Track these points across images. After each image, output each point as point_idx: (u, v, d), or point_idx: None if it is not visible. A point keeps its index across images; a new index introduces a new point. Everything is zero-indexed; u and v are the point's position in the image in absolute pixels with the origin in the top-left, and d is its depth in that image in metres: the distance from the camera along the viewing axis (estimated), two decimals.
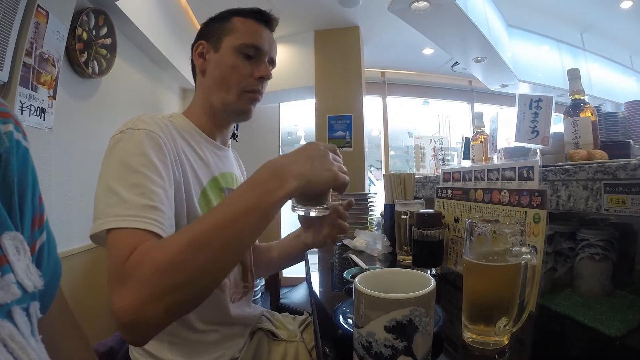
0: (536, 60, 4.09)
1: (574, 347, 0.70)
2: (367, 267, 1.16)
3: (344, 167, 0.76)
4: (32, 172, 0.41)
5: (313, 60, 3.98)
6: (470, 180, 1.05)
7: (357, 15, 3.70)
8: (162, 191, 0.76)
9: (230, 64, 0.99)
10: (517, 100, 1.46)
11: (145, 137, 0.80)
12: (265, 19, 1.05)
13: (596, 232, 0.87)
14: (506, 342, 0.64)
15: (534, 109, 1.40)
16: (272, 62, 1.07)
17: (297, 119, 5.88)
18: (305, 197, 0.79)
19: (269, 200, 0.65)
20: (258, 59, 1.02)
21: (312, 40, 3.99)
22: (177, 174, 0.85)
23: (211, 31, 1.04)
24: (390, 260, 1.37)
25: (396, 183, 1.53)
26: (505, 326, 0.62)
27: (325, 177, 0.71)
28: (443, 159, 2.69)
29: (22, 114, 1.59)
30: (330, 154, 0.75)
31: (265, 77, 1.03)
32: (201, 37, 1.06)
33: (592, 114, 1.24)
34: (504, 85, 4.32)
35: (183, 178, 0.88)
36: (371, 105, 4.87)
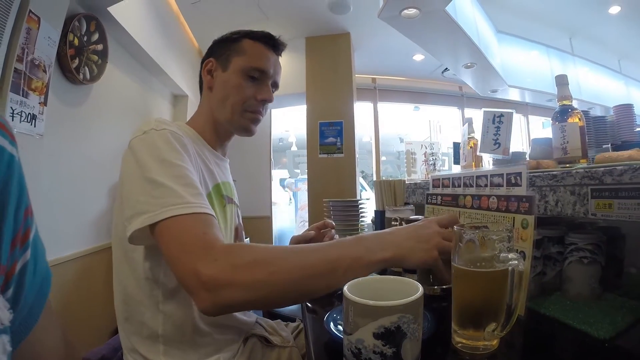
0: (525, 66, 4.14)
1: (563, 350, 0.70)
2: None
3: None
4: (19, 183, 0.36)
5: (304, 66, 4.00)
6: (459, 186, 1.06)
7: (348, 22, 3.72)
8: (198, 182, 0.82)
9: (236, 84, 1.06)
10: (482, 116, 1.58)
11: (171, 136, 0.85)
12: (273, 44, 1.11)
13: (584, 236, 0.88)
14: (496, 347, 0.65)
15: (497, 123, 1.52)
16: (275, 85, 1.14)
17: (288, 125, 5.89)
18: (422, 273, 0.91)
19: (369, 257, 0.72)
20: (262, 81, 1.09)
21: (303, 47, 4.01)
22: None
23: (221, 50, 1.09)
24: None
25: (386, 189, 1.54)
26: (494, 331, 0.62)
27: (419, 256, 0.74)
28: (434, 164, 2.70)
29: (12, 120, 1.59)
30: (442, 233, 0.78)
31: (267, 100, 1.10)
32: (211, 54, 1.11)
33: (579, 119, 1.25)
34: (494, 91, 4.36)
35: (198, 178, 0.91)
36: (362, 111, 4.89)
